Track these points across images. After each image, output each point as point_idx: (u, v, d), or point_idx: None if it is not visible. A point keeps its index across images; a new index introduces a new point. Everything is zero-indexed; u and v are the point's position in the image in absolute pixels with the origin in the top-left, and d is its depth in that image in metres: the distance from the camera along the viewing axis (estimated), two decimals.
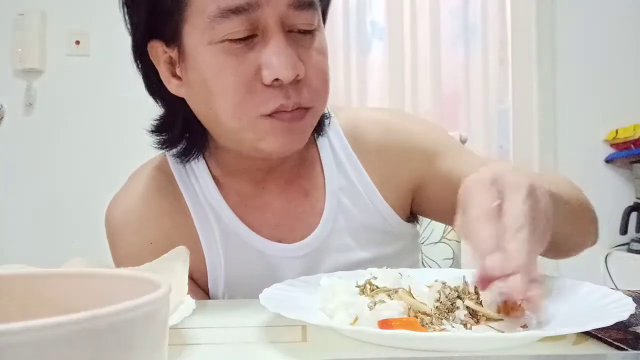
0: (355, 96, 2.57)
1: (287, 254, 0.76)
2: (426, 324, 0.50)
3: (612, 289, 0.55)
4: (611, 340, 0.46)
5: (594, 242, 0.78)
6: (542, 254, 0.75)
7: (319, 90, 0.68)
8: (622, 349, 0.45)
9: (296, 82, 0.65)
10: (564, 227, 0.68)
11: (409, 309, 0.51)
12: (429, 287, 0.54)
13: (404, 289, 0.54)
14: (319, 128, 0.78)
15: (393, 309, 0.50)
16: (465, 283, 0.55)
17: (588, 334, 0.48)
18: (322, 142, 0.81)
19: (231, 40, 0.64)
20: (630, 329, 0.49)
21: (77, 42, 2.46)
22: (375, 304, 0.51)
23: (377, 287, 0.55)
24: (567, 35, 2.51)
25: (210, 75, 0.65)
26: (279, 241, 0.77)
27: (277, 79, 0.64)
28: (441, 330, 0.49)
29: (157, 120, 0.77)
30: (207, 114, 0.70)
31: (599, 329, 0.46)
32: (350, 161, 0.80)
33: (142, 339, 0.25)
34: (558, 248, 0.71)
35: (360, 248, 0.79)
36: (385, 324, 0.49)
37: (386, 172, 0.80)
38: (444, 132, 0.86)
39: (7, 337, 0.20)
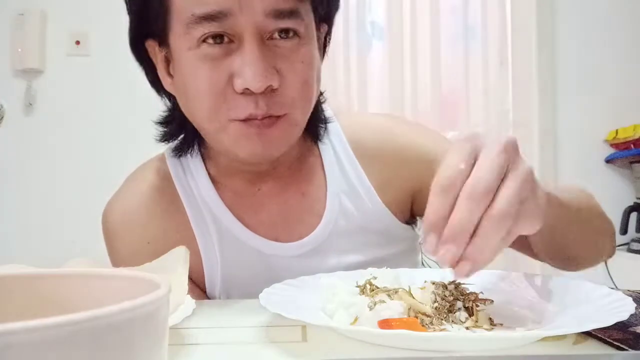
0: (355, 96, 2.57)
1: (283, 253, 0.76)
2: (426, 324, 0.50)
3: (612, 289, 0.55)
4: (611, 340, 0.46)
5: (609, 255, 0.78)
6: (554, 264, 0.75)
7: (294, 99, 0.66)
8: (622, 349, 0.45)
9: (270, 91, 0.64)
10: (570, 233, 0.67)
11: (409, 309, 0.51)
12: (421, 289, 0.54)
13: (404, 289, 0.54)
14: (315, 133, 0.79)
15: (393, 309, 0.50)
16: (455, 282, 0.55)
17: (588, 334, 0.48)
18: (324, 145, 0.81)
19: (208, 44, 0.64)
20: (630, 329, 0.49)
21: (77, 42, 2.46)
22: (375, 304, 0.51)
23: (377, 287, 0.55)
24: (567, 35, 2.51)
25: (188, 80, 0.66)
26: (276, 240, 0.77)
27: (247, 88, 0.63)
28: (441, 330, 0.49)
29: (164, 112, 0.79)
30: (188, 115, 0.71)
31: (599, 329, 0.46)
32: (351, 164, 0.80)
33: (142, 339, 0.24)
34: (567, 256, 0.71)
35: (358, 250, 0.79)
36: (385, 324, 0.49)
37: (385, 176, 0.80)
38: (446, 141, 0.86)
39: (7, 337, 0.20)
